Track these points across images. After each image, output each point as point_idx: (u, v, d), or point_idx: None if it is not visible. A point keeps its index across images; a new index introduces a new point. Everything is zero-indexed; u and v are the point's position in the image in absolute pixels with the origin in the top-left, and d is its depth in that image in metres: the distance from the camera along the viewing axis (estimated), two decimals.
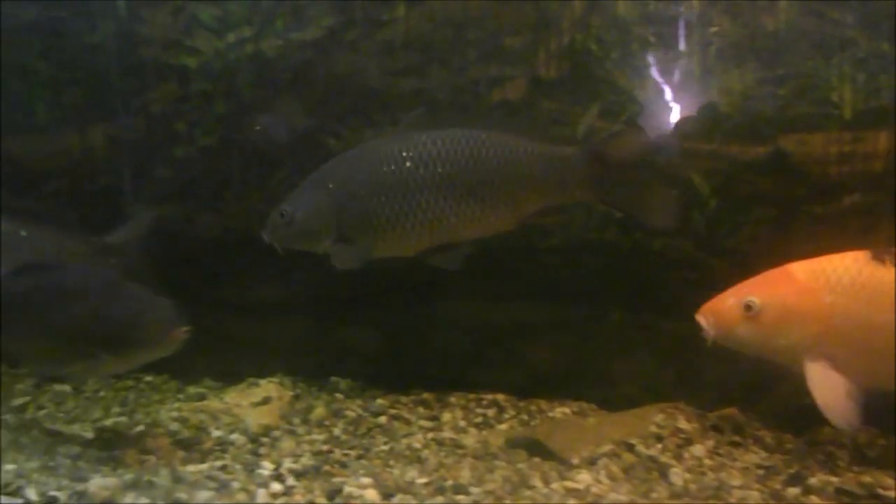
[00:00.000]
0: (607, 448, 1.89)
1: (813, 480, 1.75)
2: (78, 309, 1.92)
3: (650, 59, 2.22)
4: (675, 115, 2.24)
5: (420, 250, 2.01)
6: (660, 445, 1.91)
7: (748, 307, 1.75)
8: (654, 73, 2.23)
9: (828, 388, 1.70)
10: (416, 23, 2.37)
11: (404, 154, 1.94)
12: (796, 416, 2.01)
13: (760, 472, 1.80)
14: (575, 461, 1.86)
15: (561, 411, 2.25)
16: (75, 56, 2.57)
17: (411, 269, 2.33)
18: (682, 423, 1.99)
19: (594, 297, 2.31)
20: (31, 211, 2.42)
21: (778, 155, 2.11)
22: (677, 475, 1.77)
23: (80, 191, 2.60)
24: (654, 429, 1.97)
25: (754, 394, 2.14)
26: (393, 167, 1.93)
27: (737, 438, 1.96)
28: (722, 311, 1.78)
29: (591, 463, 1.84)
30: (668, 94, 2.25)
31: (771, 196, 2.11)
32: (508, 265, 2.33)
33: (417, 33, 2.37)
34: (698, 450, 1.89)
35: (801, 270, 1.77)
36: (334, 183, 1.97)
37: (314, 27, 2.42)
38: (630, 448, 1.90)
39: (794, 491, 1.72)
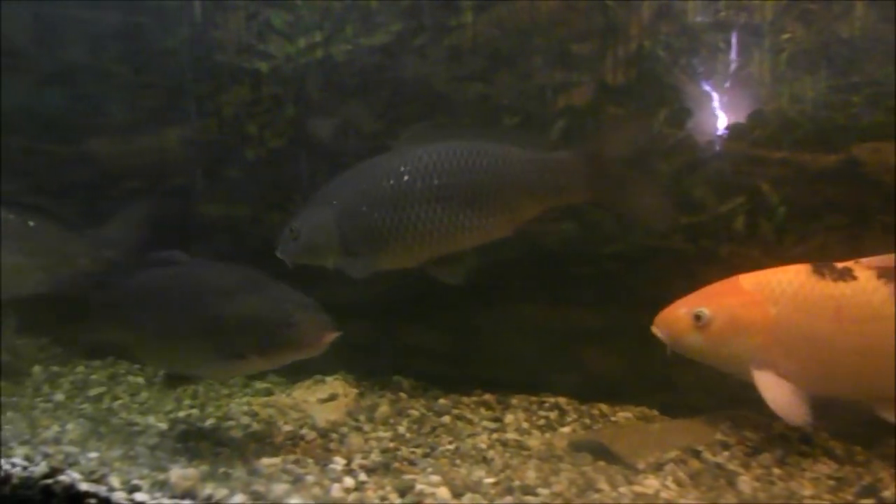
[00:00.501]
0: (673, 454, 1.89)
1: (886, 493, 1.73)
2: (228, 308, 1.87)
3: (719, 65, 2.22)
4: (722, 122, 2.24)
5: (423, 261, 2.08)
6: (727, 453, 1.90)
7: (698, 317, 1.84)
8: (722, 79, 2.22)
9: (778, 392, 1.79)
10: (484, 28, 2.40)
11: (402, 168, 2.01)
12: (866, 428, 1.99)
13: (832, 482, 1.78)
14: (640, 466, 1.87)
15: (623, 416, 2.26)
16: (152, 60, 2.68)
17: (475, 271, 2.39)
18: (748, 432, 1.98)
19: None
20: (31, 204, 2.53)
21: (850, 163, 2.08)
22: (745, 483, 1.77)
23: (155, 190, 2.72)
24: (719, 436, 1.96)
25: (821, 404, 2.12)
26: (392, 181, 2.00)
27: (805, 448, 1.93)
28: (673, 320, 1.88)
29: (657, 468, 1.85)
30: (735, 100, 2.25)
31: (842, 205, 2.09)
32: (571, 270, 2.35)
33: (484, 39, 2.40)
34: (766, 458, 1.87)
35: (748, 282, 1.85)
36: (338, 199, 2.06)
37: (383, 32, 2.47)
38: (696, 455, 1.89)
39: (867, 503, 1.70)
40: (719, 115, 2.24)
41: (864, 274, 1.78)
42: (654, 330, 1.89)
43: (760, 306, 1.80)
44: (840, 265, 1.80)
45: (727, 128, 2.22)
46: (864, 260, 1.81)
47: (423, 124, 2.17)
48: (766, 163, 2.15)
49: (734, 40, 2.18)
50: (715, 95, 2.25)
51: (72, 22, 2.70)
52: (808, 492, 1.73)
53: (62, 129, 2.74)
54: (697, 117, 2.25)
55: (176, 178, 2.69)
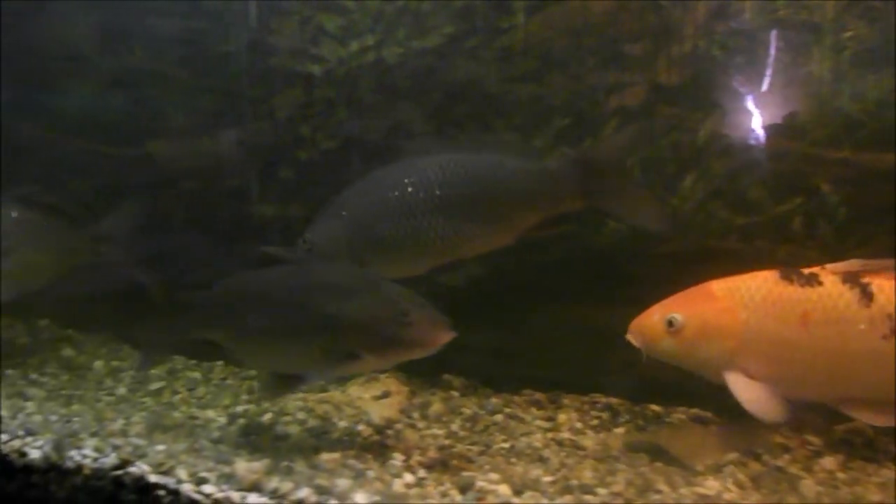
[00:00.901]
0: (732, 456, 1.89)
1: None
2: (343, 307, 1.83)
3: (777, 65, 2.20)
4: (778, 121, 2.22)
5: (427, 269, 2.13)
6: (787, 456, 1.89)
7: (671, 323, 1.88)
8: (780, 79, 2.20)
9: (751, 392, 1.82)
10: (536, 30, 2.41)
11: (406, 180, 2.08)
12: None
13: None
14: (699, 468, 1.87)
15: (677, 418, 2.25)
16: (210, 64, 2.75)
17: (525, 271, 2.41)
18: (809, 435, 1.97)
19: None
20: (39, 201, 2.61)
21: None
22: (809, 487, 1.75)
23: (211, 191, 2.79)
24: (779, 439, 1.95)
25: None
26: (396, 193, 2.08)
27: (868, 453, 1.91)
28: (647, 326, 1.92)
29: (716, 470, 1.85)
30: (792, 100, 2.22)
31: None
32: (624, 270, 2.35)
33: (536, 40, 2.41)
34: (829, 462, 1.86)
35: (719, 288, 1.89)
36: (347, 210, 2.14)
37: (435, 35, 2.50)
38: (756, 457, 1.89)
39: None
40: (776, 114, 2.23)
41: (830, 279, 1.83)
42: (629, 337, 1.95)
43: (731, 312, 1.85)
44: (807, 271, 1.87)
45: (784, 127, 2.21)
46: (829, 266, 1.87)
47: (425, 136, 2.27)
48: (826, 163, 2.13)
49: (794, 39, 2.16)
50: (772, 95, 2.23)
51: (134, 27, 2.78)
52: (875, 497, 1.71)
53: (123, 131, 2.83)
54: (753, 117, 2.24)
55: (231, 180, 2.76)
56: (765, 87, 2.23)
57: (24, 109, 2.85)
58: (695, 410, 2.29)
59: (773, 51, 2.21)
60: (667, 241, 2.28)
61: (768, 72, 2.22)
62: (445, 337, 1.82)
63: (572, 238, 2.38)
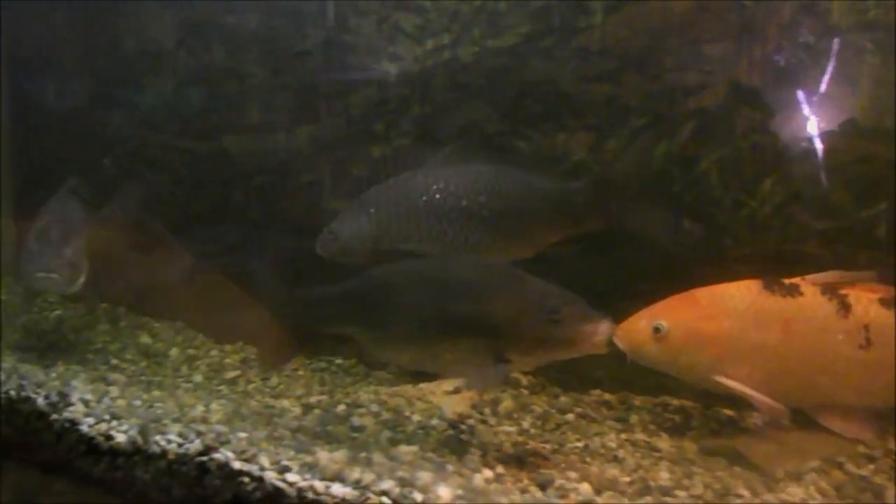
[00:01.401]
0: (813, 464, 1.86)
1: None
2: (492, 305, 1.74)
3: (863, 67, 2.16)
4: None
5: None
6: (872, 466, 1.86)
7: (657, 329, 1.94)
8: (867, 82, 2.16)
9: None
10: (614, 29, 2.41)
11: (434, 187, 2.17)
12: None
13: None
14: (779, 475, 1.85)
15: (752, 422, 2.22)
16: (286, 62, 2.81)
17: (595, 270, 2.41)
18: (893, 444, 1.93)
19: None
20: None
21: None
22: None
23: (285, 186, 2.85)
24: (862, 448, 1.92)
25: None
26: (424, 198, 2.17)
27: None
28: (634, 332, 1.97)
29: (797, 478, 1.82)
30: (881, 105, 2.18)
31: None
32: (696, 272, 2.33)
33: (614, 40, 2.41)
34: None
35: (704, 296, 1.96)
36: (374, 208, 2.22)
37: (511, 34, 2.51)
38: (839, 465, 1.86)
39: None
40: (861, 117, 2.18)
41: (810, 290, 1.89)
42: (616, 341, 1.96)
43: (715, 319, 1.91)
44: (788, 282, 1.91)
45: (869, 131, 2.16)
46: (809, 277, 1.92)
47: (456, 146, 2.32)
48: None
49: (883, 41, 2.11)
50: (856, 98, 2.19)
51: (213, 26, 2.86)
52: None
53: (200, 127, 2.91)
54: (836, 120, 2.21)
55: (305, 175, 2.81)
56: (849, 89, 2.20)
57: (107, 105, 2.96)
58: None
59: (857, 53, 2.17)
60: (743, 243, 2.26)
61: (852, 74, 2.19)
62: (601, 335, 1.71)
63: (642, 239, 2.37)
